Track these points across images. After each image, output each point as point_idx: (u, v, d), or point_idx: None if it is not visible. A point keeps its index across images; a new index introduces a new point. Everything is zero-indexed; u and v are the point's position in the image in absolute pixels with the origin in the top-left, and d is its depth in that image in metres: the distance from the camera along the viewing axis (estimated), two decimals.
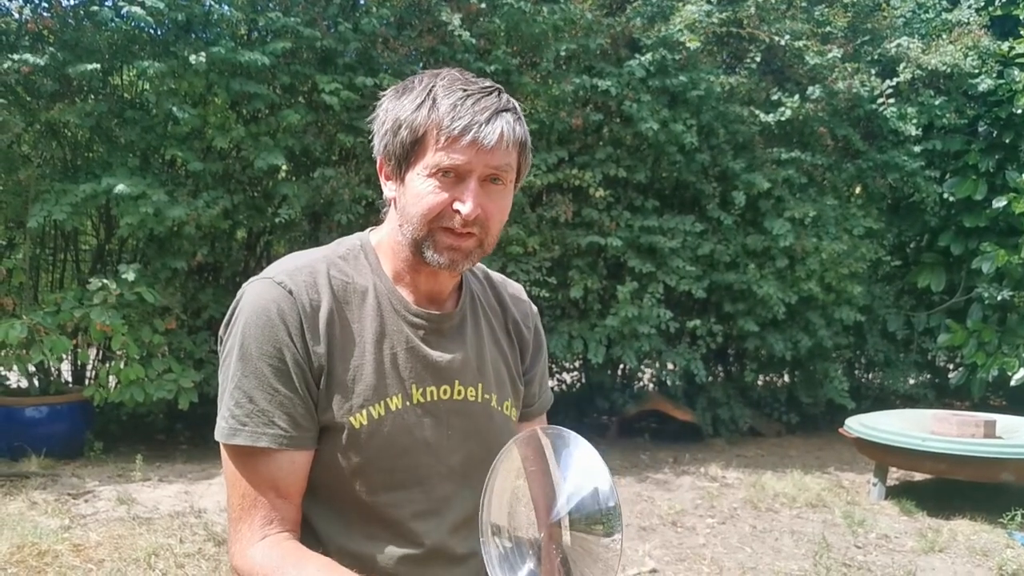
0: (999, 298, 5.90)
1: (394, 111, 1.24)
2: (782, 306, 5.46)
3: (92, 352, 5.05)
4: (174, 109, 4.27)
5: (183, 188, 4.49)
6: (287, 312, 1.24)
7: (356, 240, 1.36)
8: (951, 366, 6.80)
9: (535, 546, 1.17)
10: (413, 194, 1.24)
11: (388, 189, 1.30)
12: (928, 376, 7.05)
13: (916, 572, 3.40)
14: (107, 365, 4.74)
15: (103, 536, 3.24)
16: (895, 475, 4.77)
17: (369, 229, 1.40)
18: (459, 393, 1.37)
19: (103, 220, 5.08)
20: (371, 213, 4.92)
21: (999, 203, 5.80)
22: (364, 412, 1.30)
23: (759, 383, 6.35)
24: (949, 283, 6.37)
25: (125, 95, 4.86)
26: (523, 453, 1.17)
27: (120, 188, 4.09)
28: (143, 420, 5.18)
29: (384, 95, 1.29)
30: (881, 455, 4.34)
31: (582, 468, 1.12)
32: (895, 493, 4.46)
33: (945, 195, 6.18)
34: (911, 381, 6.56)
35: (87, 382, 4.94)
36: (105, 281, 4.21)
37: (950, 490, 4.53)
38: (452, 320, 1.37)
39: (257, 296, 1.25)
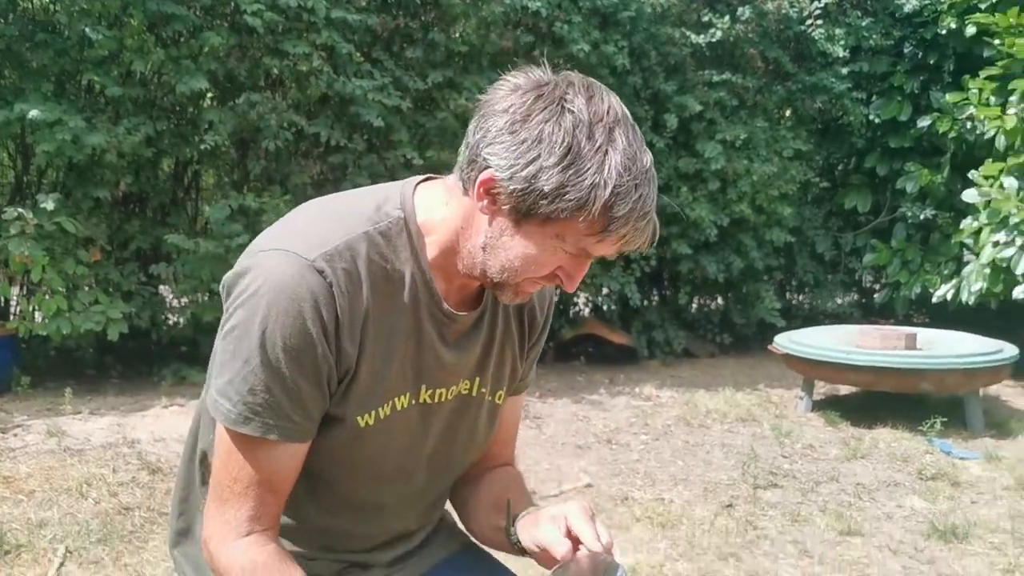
0: (922, 217, 6.05)
1: (561, 166, 1.08)
2: (714, 228, 5.53)
3: (16, 286, 4.91)
4: (88, 31, 4.09)
5: (102, 114, 4.33)
6: (324, 308, 1.15)
7: (399, 211, 1.23)
8: (877, 286, 6.97)
9: None
10: (523, 247, 1.15)
11: (487, 209, 1.15)
12: (855, 295, 7.24)
13: (839, 478, 3.53)
14: (31, 298, 4.62)
15: (33, 468, 3.19)
16: (821, 389, 4.92)
17: (414, 186, 1.26)
18: (459, 390, 1.37)
19: (20, 150, 4.89)
20: (300, 140, 4.83)
21: (923, 123, 5.91)
22: (373, 413, 1.28)
23: (693, 305, 6.45)
24: (875, 204, 6.50)
25: (36, 17, 4.65)
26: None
27: (34, 114, 3.93)
28: (72, 354, 5.07)
29: (542, 101, 1.10)
30: (808, 369, 4.47)
31: None
32: (821, 406, 4.61)
33: (871, 117, 6.27)
34: (839, 301, 6.73)
35: (11, 316, 4.81)
36: (21, 211, 4.07)
37: (873, 401, 4.69)
38: (473, 318, 1.33)
39: (290, 279, 1.14)
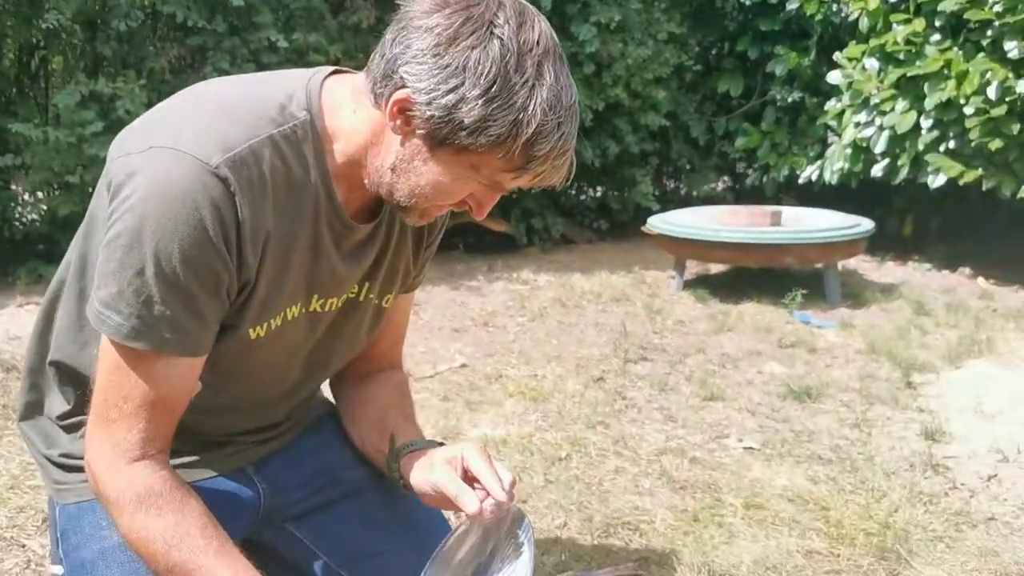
0: (790, 100, 6.19)
1: (485, 99, 1.02)
2: (590, 113, 5.53)
3: None
4: None
5: None
6: (226, 218, 1.08)
7: (305, 113, 1.15)
8: (750, 170, 7.15)
9: None
10: (435, 174, 1.11)
11: (399, 129, 1.10)
12: (728, 180, 7.43)
13: (705, 349, 3.67)
14: None
15: None
16: (692, 269, 5.06)
17: (320, 82, 1.18)
18: (347, 295, 1.34)
19: None
20: (156, 21, 4.55)
21: (792, 6, 5.98)
22: (266, 325, 1.23)
23: (571, 193, 6.49)
24: (747, 88, 6.60)
25: None
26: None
27: None
28: None
29: (470, 24, 1.04)
30: (679, 249, 4.58)
31: None
32: (692, 285, 4.75)
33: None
34: (713, 185, 6.88)
35: None
36: None
37: (740, 279, 4.86)
38: (371, 228, 1.29)
39: (189, 185, 1.06)
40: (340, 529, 1.57)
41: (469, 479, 1.36)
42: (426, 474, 1.38)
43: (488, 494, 1.32)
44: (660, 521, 2.20)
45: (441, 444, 1.47)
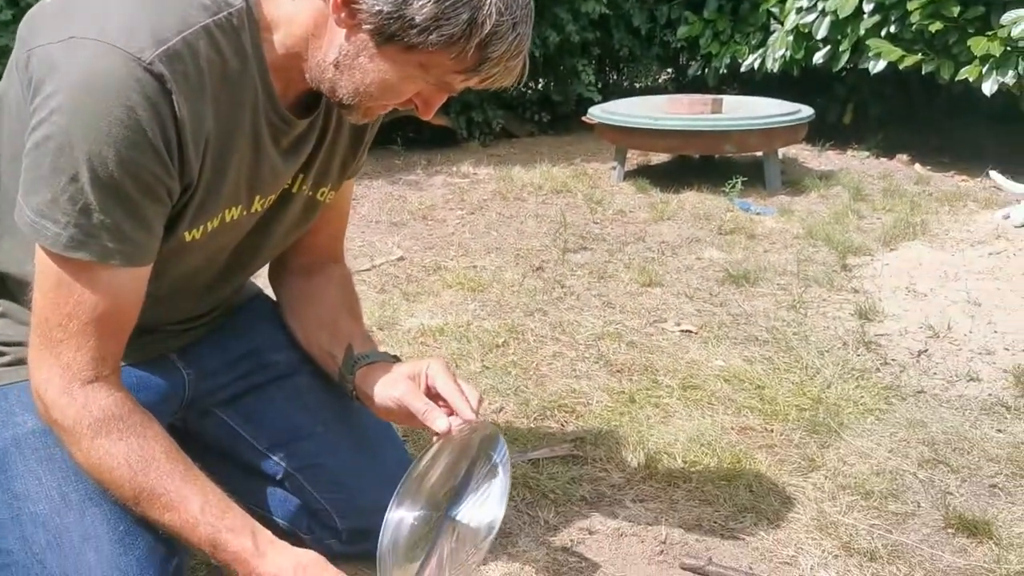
0: None
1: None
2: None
3: None
4: None
5: None
6: (164, 117, 1.01)
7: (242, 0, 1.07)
8: (692, 62, 7.05)
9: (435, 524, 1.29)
10: (381, 73, 1.06)
11: (343, 22, 1.04)
12: (670, 71, 7.33)
13: (645, 238, 3.65)
14: None
15: None
16: (633, 160, 5.02)
17: None
18: (284, 188, 1.30)
19: None
20: None
21: None
22: (202, 227, 1.18)
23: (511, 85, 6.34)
24: None
25: None
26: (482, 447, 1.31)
27: None
28: None
29: None
30: (620, 138, 4.52)
31: (496, 499, 1.27)
32: (633, 175, 4.71)
33: None
34: (655, 76, 6.79)
35: None
36: None
37: (681, 168, 4.84)
38: (309, 121, 1.23)
39: (120, 82, 0.98)
40: (270, 411, 1.54)
41: (433, 396, 1.35)
42: (389, 390, 1.36)
43: (454, 412, 1.31)
44: (596, 403, 2.20)
45: (396, 358, 1.45)
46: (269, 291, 1.64)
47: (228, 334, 1.55)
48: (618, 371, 2.39)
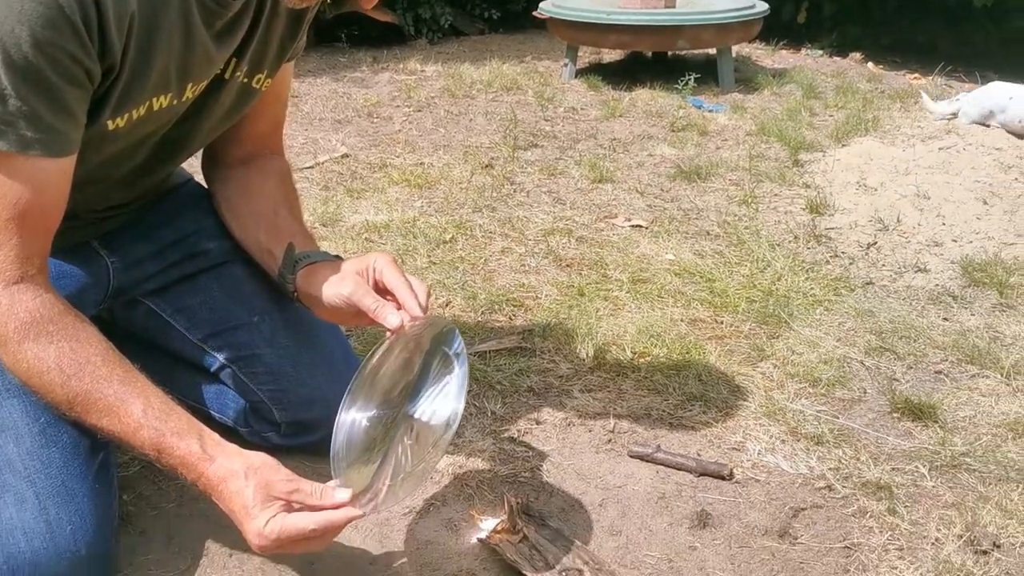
0: None
1: None
2: None
3: None
4: None
5: None
6: (88, 3, 0.93)
7: None
8: None
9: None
10: None
11: None
12: None
13: (597, 135, 3.58)
14: None
15: None
16: (585, 57, 4.90)
17: None
18: (216, 75, 1.22)
19: None
20: None
21: None
22: (127, 115, 1.10)
23: None
24: None
25: None
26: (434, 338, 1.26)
27: None
28: None
29: None
30: (572, 34, 4.40)
31: (454, 393, 1.20)
32: (585, 73, 4.60)
33: None
34: None
35: None
36: None
37: (634, 66, 4.74)
38: (241, 5, 1.16)
39: None
40: (203, 301, 1.47)
41: (380, 292, 1.29)
42: (337, 288, 1.30)
43: (403, 307, 1.25)
44: (545, 297, 2.16)
45: (338, 257, 1.38)
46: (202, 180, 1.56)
47: (155, 221, 1.47)
48: (567, 266, 2.35)
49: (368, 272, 1.30)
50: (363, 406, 1.26)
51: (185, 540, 1.34)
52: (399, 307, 1.25)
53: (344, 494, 1.14)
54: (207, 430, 1.17)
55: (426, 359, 1.27)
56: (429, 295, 1.29)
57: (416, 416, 1.23)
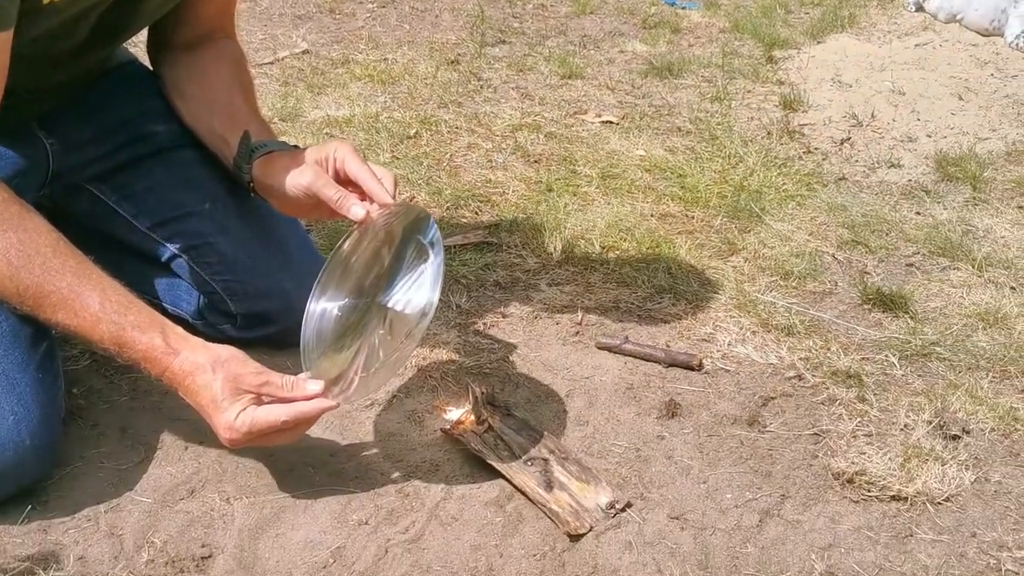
0: None
1: None
2: None
3: None
4: None
5: None
6: None
7: None
8: None
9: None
10: None
11: None
12: None
13: (567, 32, 3.46)
14: None
15: None
16: None
17: None
18: None
19: None
20: None
21: None
22: None
23: None
24: None
25: None
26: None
27: None
28: None
29: None
30: None
31: (429, 282, 1.13)
32: None
33: None
34: None
35: None
36: None
37: None
38: None
39: None
40: (150, 187, 1.40)
41: (343, 183, 1.22)
42: (296, 178, 1.23)
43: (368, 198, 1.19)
44: (512, 192, 2.10)
45: (296, 148, 1.30)
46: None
47: (96, 102, 1.39)
48: (536, 161, 2.28)
49: (328, 162, 1.23)
50: (333, 295, 1.21)
51: (139, 433, 1.30)
52: (363, 198, 1.20)
53: (316, 386, 1.10)
54: (170, 323, 1.12)
55: (399, 249, 1.21)
56: (396, 184, 1.23)
57: (390, 306, 1.18)
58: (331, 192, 1.19)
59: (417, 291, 1.15)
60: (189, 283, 1.42)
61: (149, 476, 1.22)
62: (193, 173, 1.41)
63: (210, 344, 1.10)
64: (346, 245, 1.24)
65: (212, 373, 1.06)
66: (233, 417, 1.05)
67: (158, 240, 1.39)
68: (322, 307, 1.20)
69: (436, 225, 1.18)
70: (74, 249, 1.08)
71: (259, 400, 1.08)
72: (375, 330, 1.17)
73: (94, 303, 1.05)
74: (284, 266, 1.41)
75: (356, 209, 1.18)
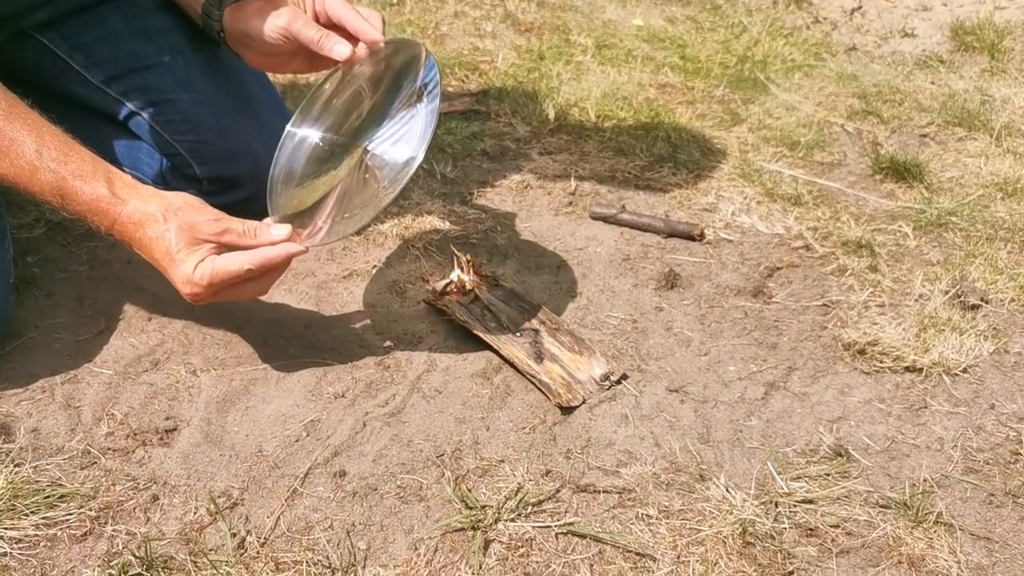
0: None
1: None
2: None
3: None
4: None
5: None
6: None
7: None
8: None
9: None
10: None
11: None
12: None
13: None
14: None
15: None
16: None
17: None
18: None
19: None
20: None
21: None
22: None
23: None
24: None
25: None
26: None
27: None
28: None
29: None
30: None
31: (418, 129, 1.02)
32: None
33: None
34: None
35: None
36: None
37: None
38: None
39: None
40: (102, 36, 1.27)
41: (325, 24, 1.10)
42: (273, 20, 1.10)
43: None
44: (503, 60, 1.97)
45: None
46: None
47: None
48: (527, 30, 2.14)
49: (307, 4, 1.11)
50: (312, 125, 1.11)
51: (98, 303, 1.20)
52: (348, 40, 1.08)
53: (282, 230, 1.01)
54: (116, 171, 1.01)
55: (389, 89, 1.09)
56: (384, 23, 1.10)
57: (371, 149, 1.07)
58: (311, 32, 1.08)
59: (405, 137, 1.04)
60: (151, 144, 1.31)
61: (109, 347, 1.13)
62: (152, 22, 1.28)
63: (161, 192, 1.00)
64: (327, 85, 1.12)
65: (164, 223, 0.96)
66: (191, 269, 0.96)
67: (114, 96, 1.27)
68: (301, 132, 1.11)
69: (436, 65, 1.05)
70: (4, 90, 0.97)
71: (220, 249, 0.98)
72: (354, 171, 1.06)
73: (29, 150, 0.95)
74: (253, 125, 1.29)
75: (340, 48, 1.06)
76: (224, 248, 0.99)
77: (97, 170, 0.99)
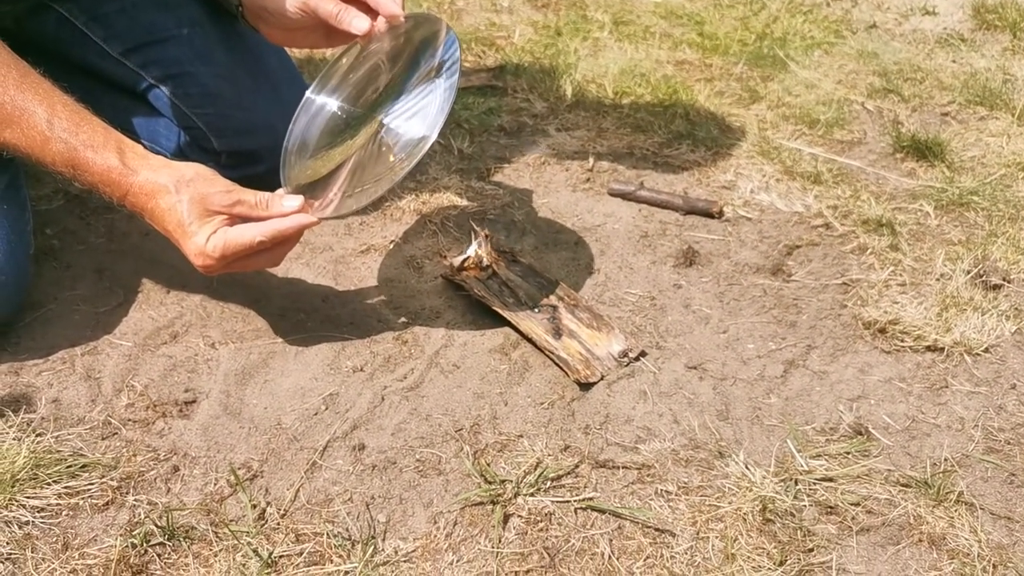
0: None
1: None
2: None
3: None
4: None
5: None
6: None
7: None
8: None
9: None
10: None
11: None
12: None
13: None
14: None
15: None
16: None
17: None
18: None
19: None
20: None
21: None
22: None
23: None
24: None
25: None
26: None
27: None
28: None
29: None
30: None
31: (436, 104, 1.01)
32: None
33: None
34: None
35: None
36: None
37: None
38: None
39: None
40: (121, 7, 1.26)
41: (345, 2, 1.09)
42: None
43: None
44: (519, 36, 1.96)
45: None
46: None
47: None
48: (543, 6, 2.13)
49: None
50: (331, 94, 1.11)
51: (117, 276, 1.20)
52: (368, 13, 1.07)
53: (294, 201, 1.00)
54: (128, 141, 1.01)
55: (408, 64, 1.09)
56: None
57: (387, 123, 1.06)
58: (330, 6, 1.07)
59: (422, 112, 1.03)
60: (169, 118, 1.30)
61: (128, 319, 1.13)
62: None
63: (174, 162, 0.99)
64: (344, 59, 1.12)
65: (176, 194, 0.96)
66: (203, 241, 0.96)
67: (132, 68, 1.27)
68: (320, 99, 1.10)
69: (458, 41, 1.05)
70: (18, 59, 0.97)
71: (232, 221, 0.98)
72: (369, 144, 1.06)
73: (40, 120, 0.94)
74: (272, 99, 1.29)
75: (359, 22, 1.05)
76: (236, 219, 0.98)
77: (108, 140, 0.99)
